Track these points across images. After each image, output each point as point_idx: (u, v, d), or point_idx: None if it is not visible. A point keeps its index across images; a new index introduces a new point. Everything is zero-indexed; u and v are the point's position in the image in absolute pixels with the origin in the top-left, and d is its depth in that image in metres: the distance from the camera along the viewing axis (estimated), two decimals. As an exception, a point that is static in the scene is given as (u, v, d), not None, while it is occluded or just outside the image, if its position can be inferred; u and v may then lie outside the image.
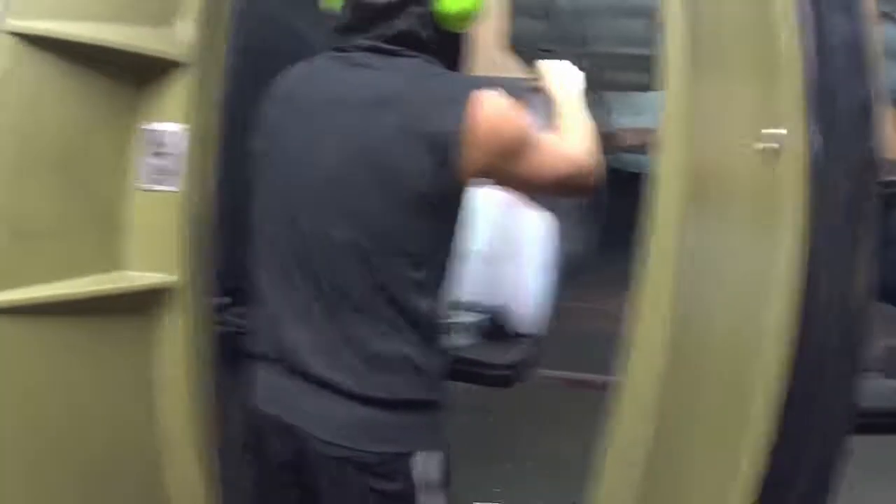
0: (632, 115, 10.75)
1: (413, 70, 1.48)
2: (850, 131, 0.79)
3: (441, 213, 1.46)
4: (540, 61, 1.86)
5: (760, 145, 0.84)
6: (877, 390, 1.81)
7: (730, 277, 1.07)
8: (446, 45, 1.56)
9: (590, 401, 2.32)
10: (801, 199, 0.78)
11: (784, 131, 0.81)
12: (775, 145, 0.82)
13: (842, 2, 0.80)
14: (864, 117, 0.79)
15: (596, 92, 9.02)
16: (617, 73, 8.34)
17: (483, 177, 1.52)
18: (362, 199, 1.44)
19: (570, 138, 1.63)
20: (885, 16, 5.24)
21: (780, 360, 0.76)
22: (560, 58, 1.85)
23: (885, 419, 1.70)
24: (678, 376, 1.45)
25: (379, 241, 1.44)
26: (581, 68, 1.82)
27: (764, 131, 0.83)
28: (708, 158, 1.35)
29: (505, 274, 2.43)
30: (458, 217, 1.55)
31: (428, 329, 1.49)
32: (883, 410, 1.69)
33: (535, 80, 1.85)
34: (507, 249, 2.48)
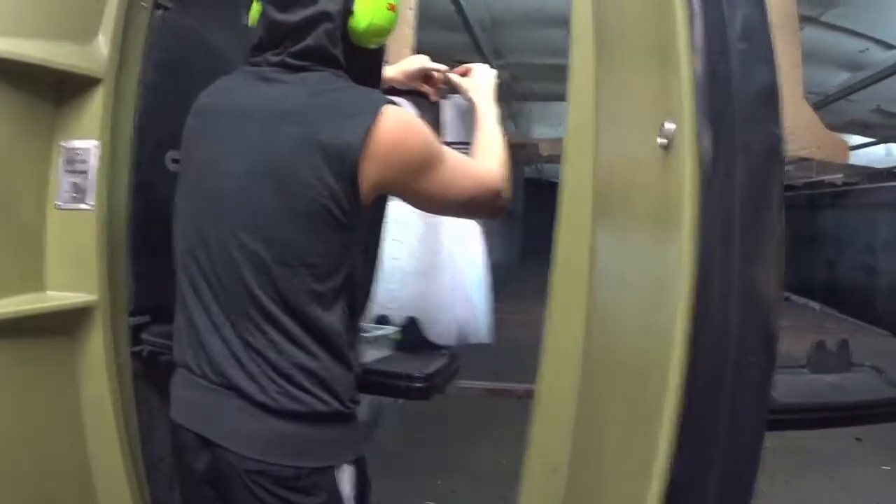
0: (552, 124, 10.92)
1: (318, 83, 1.48)
2: (746, 123, 0.78)
3: (345, 227, 1.45)
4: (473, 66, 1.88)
5: (658, 141, 0.84)
6: (802, 386, 1.88)
7: (633, 280, 1.09)
8: (358, 60, 1.56)
9: (515, 410, 2.34)
10: (693, 196, 0.78)
11: (674, 125, 0.81)
12: (666, 140, 0.82)
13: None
14: (763, 108, 0.79)
15: (513, 102, 9.16)
16: (535, 84, 8.47)
17: (390, 192, 1.52)
18: (264, 210, 1.43)
19: (483, 158, 1.63)
20: (809, 19, 5.43)
21: (679, 363, 0.78)
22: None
23: (811, 414, 1.75)
24: (592, 381, 1.47)
25: (280, 253, 1.43)
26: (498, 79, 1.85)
27: (661, 126, 0.83)
28: (615, 160, 1.38)
29: (430, 286, 2.44)
30: (368, 230, 1.55)
31: (335, 342, 1.48)
32: (809, 406, 1.73)
33: (453, 87, 1.88)
34: (431, 261, 2.48)
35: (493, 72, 1.86)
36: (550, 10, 5.55)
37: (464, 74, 1.87)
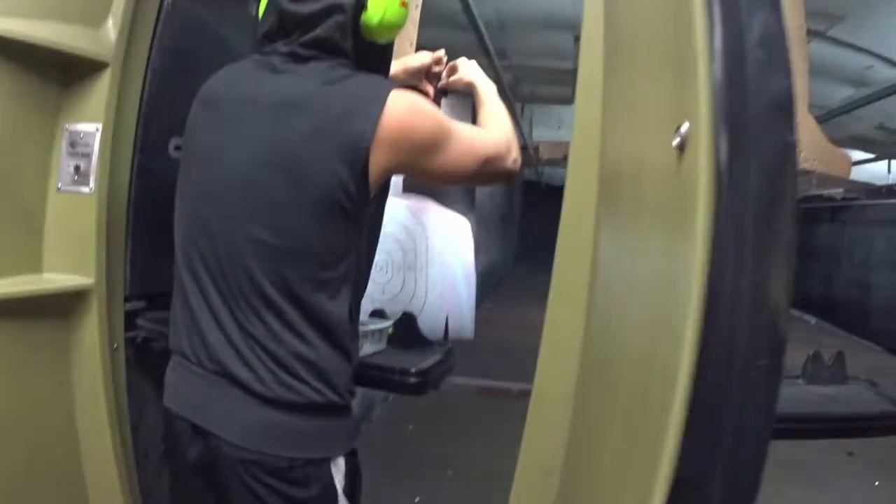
0: (552, 128, 10.96)
1: (326, 73, 1.48)
2: (762, 128, 0.79)
3: (352, 215, 1.45)
4: (458, 60, 1.89)
5: (673, 143, 0.84)
6: (797, 396, 1.88)
7: (639, 280, 1.09)
8: (367, 55, 1.56)
9: (509, 410, 2.34)
10: (707, 197, 0.78)
11: (689, 126, 0.81)
12: (681, 141, 0.83)
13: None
14: (779, 115, 0.79)
15: (516, 103, 9.18)
16: (539, 87, 8.50)
17: (399, 173, 1.55)
18: (272, 199, 1.43)
19: (491, 125, 1.66)
20: (816, 34, 5.44)
21: (688, 368, 0.78)
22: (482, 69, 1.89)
23: (807, 424, 1.75)
24: (590, 381, 1.47)
25: (287, 241, 1.43)
26: (501, 80, 1.86)
27: (676, 128, 0.83)
28: (622, 161, 1.38)
29: (420, 281, 2.44)
30: (371, 219, 1.55)
31: (337, 332, 1.48)
32: (803, 416, 1.74)
33: (452, 76, 1.89)
34: (421, 256, 2.49)
35: (473, 62, 1.87)
36: (557, 14, 5.58)
37: (451, 72, 1.89)
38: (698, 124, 0.77)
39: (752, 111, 0.77)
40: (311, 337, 1.45)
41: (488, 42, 5.82)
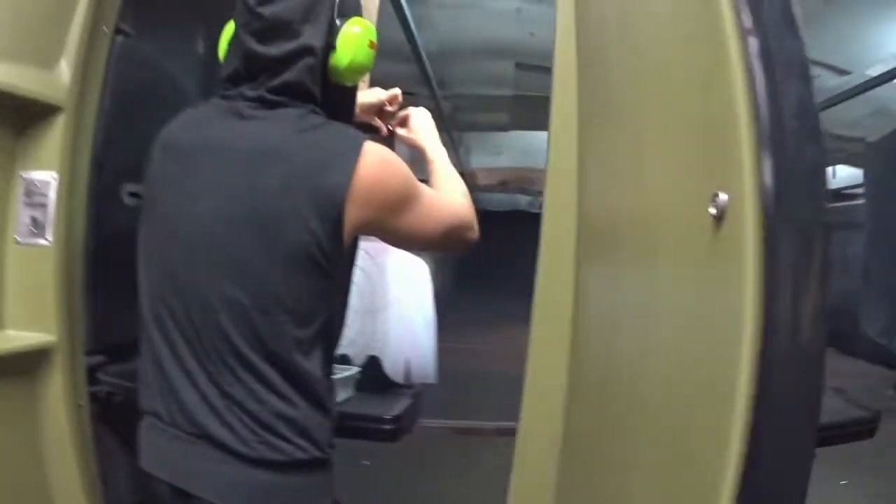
0: (489, 154, 11.03)
1: (297, 120, 1.43)
2: (801, 197, 0.80)
3: (325, 270, 1.40)
4: (411, 110, 1.84)
5: (710, 211, 0.85)
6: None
7: (660, 326, 1.08)
8: (333, 97, 1.51)
9: (473, 447, 2.31)
10: (755, 265, 0.79)
11: (725, 197, 0.82)
12: (718, 212, 0.84)
13: (794, 68, 0.81)
14: (814, 184, 0.81)
15: (453, 132, 9.22)
16: (477, 114, 8.55)
17: (368, 232, 1.48)
18: (243, 254, 1.37)
19: (448, 190, 1.62)
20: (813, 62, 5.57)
21: (743, 413, 0.78)
22: (420, 100, 1.85)
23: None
24: (586, 424, 1.46)
25: (260, 299, 1.37)
26: (441, 110, 1.83)
27: (713, 198, 0.84)
28: (620, 208, 1.37)
29: (378, 324, 2.40)
30: (344, 273, 1.51)
31: (315, 389, 1.43)
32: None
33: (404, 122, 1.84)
34: (379, 299, 2.45)
35: (427, 113, 1.82)
36: (497, 41, 5.60)
37: (402, 123, 1.83)
38: (742, 198, 0.77)
39: (791, 182, 0.77)
40: (290, 395, 1.39)
41: (430, 72, 5.82)
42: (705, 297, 0.90)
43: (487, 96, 7.20)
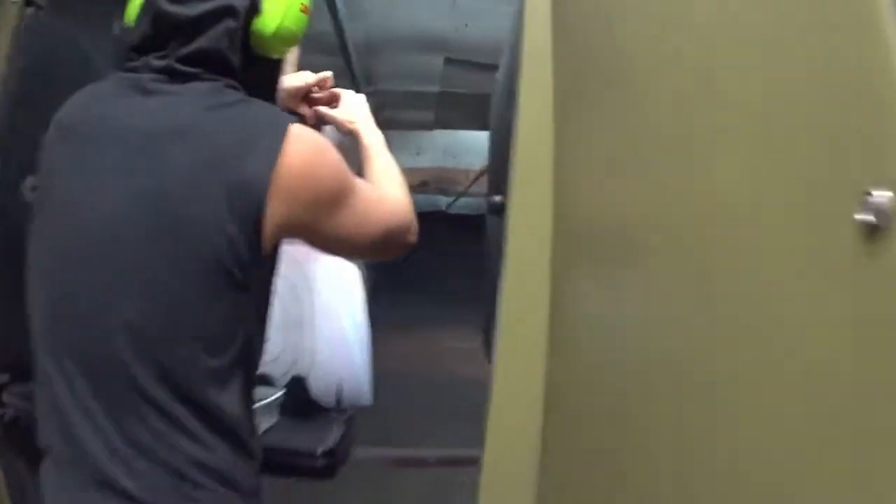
0: (411, 154, 10.86)
1: (210, 96, 1.23)
2: None
3: (239, 284, 1.20)
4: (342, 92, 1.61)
5: (856, 218, 0.65)
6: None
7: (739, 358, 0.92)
8: (255, 72, 1.31)
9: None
10: None
11: (889, 194, 0.62)
12: (876, 218, 0.64)
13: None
14: None
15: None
16: (401, 112, 8.34)
17: (293, 234, 1.27)
18: (146, 267, 1.17)
19: (387, 185, 1.42)
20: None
21: None
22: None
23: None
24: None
25: (165, 321, 1.18)
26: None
27: (863, 199, 0.64)
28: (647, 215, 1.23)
29: (305, 339, 2.18)
30: (263, 285, 1.30)
31: (234, 428, 1.24)
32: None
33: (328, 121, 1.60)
34: (302, 311, 2.23)
35: (362, 96, 1.61)
36: (427, 34, 5.40)
37: (330, 103, 1.60)
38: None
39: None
40: (205, 437, 1.20)
41: (355, 66, 5.60)
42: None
43: (413, 93, 7.03)
